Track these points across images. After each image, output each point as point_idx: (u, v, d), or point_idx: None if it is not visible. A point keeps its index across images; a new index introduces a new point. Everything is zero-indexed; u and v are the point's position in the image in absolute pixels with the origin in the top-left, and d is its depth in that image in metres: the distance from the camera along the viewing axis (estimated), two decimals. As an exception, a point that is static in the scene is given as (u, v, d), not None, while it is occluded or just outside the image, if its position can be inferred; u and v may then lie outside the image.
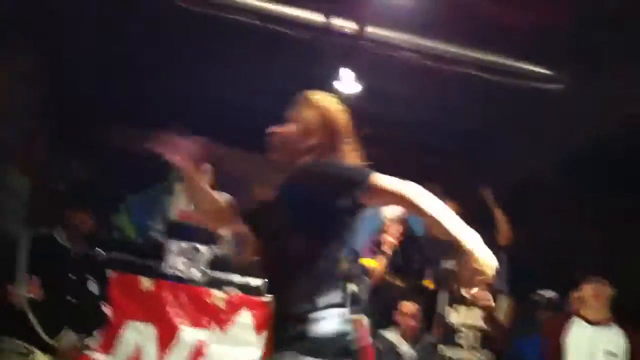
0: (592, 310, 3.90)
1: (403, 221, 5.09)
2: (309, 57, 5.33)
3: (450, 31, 4.96)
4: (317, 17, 4.91)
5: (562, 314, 4.20)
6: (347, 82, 5.69)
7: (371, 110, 5.70)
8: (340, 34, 4.96)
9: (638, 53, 4.39)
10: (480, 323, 4.70)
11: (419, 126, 6.26)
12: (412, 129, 6.31)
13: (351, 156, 2.24)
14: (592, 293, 3.89)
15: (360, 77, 5.66)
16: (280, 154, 2.26)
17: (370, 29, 4.93)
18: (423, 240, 5.27)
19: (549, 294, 4.81)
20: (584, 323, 3.92)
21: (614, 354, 3.74)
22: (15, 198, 5.08)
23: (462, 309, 4.76)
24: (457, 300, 4.83)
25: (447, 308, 4.84)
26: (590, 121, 5.21)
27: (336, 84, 5.66)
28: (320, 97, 2.32)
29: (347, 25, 4.91)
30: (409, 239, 5.23)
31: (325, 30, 4.94)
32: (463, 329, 4.68)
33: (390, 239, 4.99)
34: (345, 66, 5.59)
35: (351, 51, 5.22)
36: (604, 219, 5.02)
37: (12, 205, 5.01)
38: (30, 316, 3.55)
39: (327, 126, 2.25)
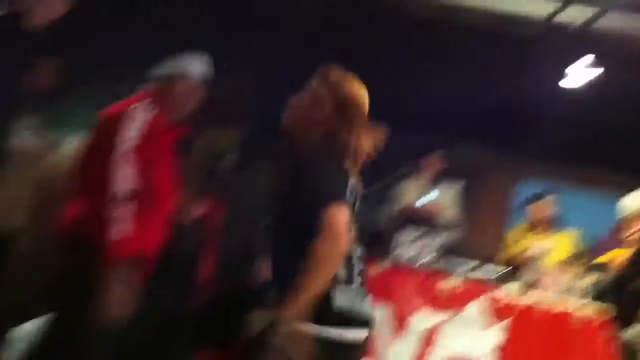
0: None
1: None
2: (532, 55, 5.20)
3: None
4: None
5: None
6: (577, 74, 5.44)
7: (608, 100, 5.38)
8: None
9: None
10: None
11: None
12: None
13: (364, 142, 2.25)
14: None
15: (595, 65, 5.36)
16: (291, 122, 2.30)
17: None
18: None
19: None
20: None
21: None
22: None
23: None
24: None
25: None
26: None
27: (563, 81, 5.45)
28: (338, 73, 2.32)
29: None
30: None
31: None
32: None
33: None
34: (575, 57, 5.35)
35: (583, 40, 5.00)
36: None
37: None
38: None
39: (339, 102, 2.25)
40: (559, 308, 4.03)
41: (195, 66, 3.14)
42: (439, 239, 4.85)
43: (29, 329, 4.31)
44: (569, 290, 4.32)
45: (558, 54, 5.37)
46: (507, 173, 6.80)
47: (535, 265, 4.56)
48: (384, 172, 6.62)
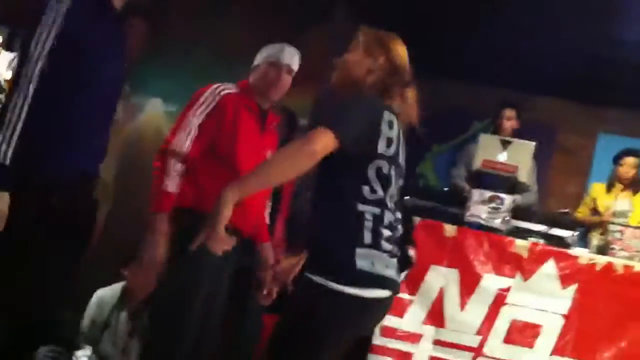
0: None
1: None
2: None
3: None
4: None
5: None
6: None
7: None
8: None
9: None
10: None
11: None
12: None
13: (410, 104, 2.29)
14: None
15: None
16: (341, 78, 2.32)
17: None
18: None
19: None
20: None
21: None
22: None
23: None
24: None
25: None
26: None
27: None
28: (382, 33, 2.35)
29: None
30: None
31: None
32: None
33: None
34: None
35: None
36: None
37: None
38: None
39: (386, 59, 2.28)
40: (635, 271, 3.94)
41: (287, 55, 3.26)
42: (514, 199, 4.77)
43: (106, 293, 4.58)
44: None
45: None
46: (587, 126, 6.55)
47: (614, 226, 4.45)
48: (459, 129, 6.55)
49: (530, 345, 3.85)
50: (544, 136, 6.08)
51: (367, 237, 2.15)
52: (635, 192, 5.06)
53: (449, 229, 4.21)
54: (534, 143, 5.09)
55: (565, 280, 3.94)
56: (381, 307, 2.25)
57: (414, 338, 3.94)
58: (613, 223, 4.54)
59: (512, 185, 5.02)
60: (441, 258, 4.05)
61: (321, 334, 2.11)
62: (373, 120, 2.20)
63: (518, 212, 4.71)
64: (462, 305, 3.95)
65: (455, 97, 6.25)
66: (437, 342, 3.92)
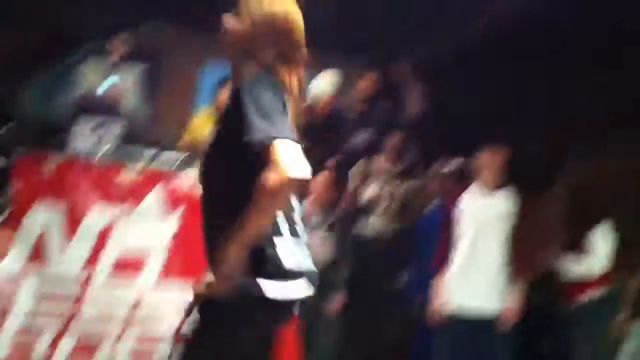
0: (487, 176, 4.08)
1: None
2: None
3: None
4: None
5: (464, 183, 4.39)
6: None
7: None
8: None
9: None
10: (397, 195, 4.89)
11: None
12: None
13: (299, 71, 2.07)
14: (487, 160, 4.06)
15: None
16: (231, 50, 2.11)
17: None
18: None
19: (455, 163, 4.98)
20: (478, 190, 4.12)
21: (504, 216, 3.97)
22: None
23: (379, 181, 4.92)
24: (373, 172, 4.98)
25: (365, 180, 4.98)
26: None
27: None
28: None
29: None
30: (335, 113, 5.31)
31: None
32: (378, 201, 4.86)
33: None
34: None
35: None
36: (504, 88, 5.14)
37: None
38: None
39: (278, 29, 2.06)
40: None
41: None
42: (119, 128, 4.75)
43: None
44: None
45: None
46: (191, 54, 6.74)
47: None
48: (65, 53, 6.17)
49: (138, 271, 3.90)
50: (151, 61, 6.09)
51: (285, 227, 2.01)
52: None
53: (53, 161, 3.97)
54: (140, 69, 5.07)
55: (172, 204, 4.04)
56: None
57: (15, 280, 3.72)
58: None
59: (118, 113, 4.98)
60: (44, 194, 3.84)
61: None
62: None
63: (126, 140, 4.71)
64: (66, 242, 3.81)
65: (63, 21, 5.85)
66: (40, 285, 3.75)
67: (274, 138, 1.79)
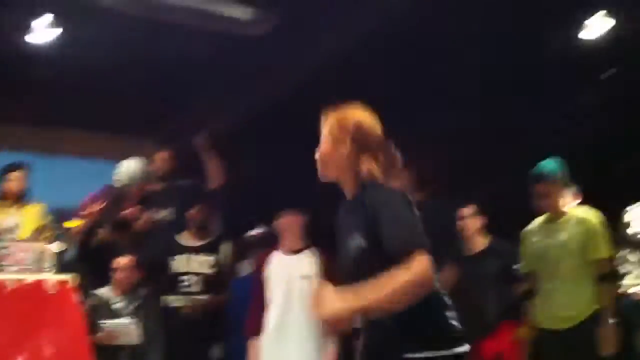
0: (288, 240, 4.19)
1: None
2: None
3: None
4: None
5: (270, 248, 4.45)
6: (42, 30, 5.39)
7: (70, 57, 5.47)
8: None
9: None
10: (205, 269, 4.82)
11: (118, 74, 6.06)
12: (110, 77, 6.09)
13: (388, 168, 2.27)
14: (287, 224, 4.17)
15: (59, 23, 5.37)
16: (326, 172, 2.30)
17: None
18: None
19: (260, 230, 5.06)
20: (282, 253, 4.20)
21: (308, 277, 4.06)
22: None
23: (187, 256, 4.83)
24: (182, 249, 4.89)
25: (174, 258, 4.87)
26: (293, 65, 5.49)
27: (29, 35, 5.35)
28: (340, 109, 2.33)
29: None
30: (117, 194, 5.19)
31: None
32: (186, 277, 4.76)
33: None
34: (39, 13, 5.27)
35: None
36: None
37: None
38: None
39: (351, 132, 2.25)
40: (29, 280, 3.97)
41: None
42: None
43: None
44: (39, 262, 4.30)
45: (19, 10, 5.18)
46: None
47: (1, 243, 4.38)
48: None
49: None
50: None
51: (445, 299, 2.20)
52: (21, 207, 5.08)
53: None
54: None
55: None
56: None
57: None
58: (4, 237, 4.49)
59: None
60: None
61: None
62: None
63: None
64: None
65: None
66: None
67: (415, 247, 2.02)
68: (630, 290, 4.50)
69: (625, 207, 5.21)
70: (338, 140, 2.25)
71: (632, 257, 4.72)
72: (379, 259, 2.06)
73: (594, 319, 3.85)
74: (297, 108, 5.22)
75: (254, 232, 5.21)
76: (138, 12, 5.22)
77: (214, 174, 5.27)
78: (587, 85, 6.63)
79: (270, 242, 4.64)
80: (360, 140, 2.25)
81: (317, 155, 2.31)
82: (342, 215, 2.33)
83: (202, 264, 4.84)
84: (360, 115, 2.31)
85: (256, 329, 4.07)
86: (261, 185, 5.57)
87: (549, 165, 4.02)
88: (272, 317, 4.04)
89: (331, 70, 5.48)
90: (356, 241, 2.17)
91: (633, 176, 6.68)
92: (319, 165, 2.32)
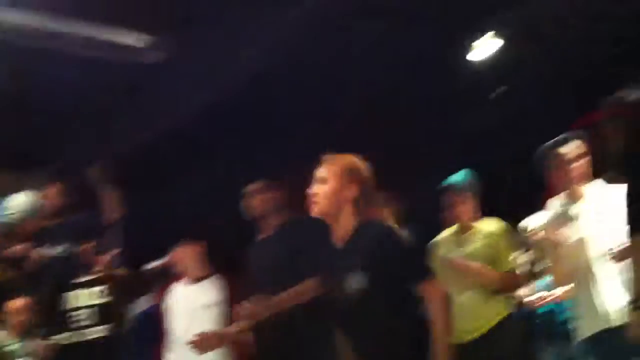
0: (189, 269, 4.12)
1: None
2: None
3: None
4: None
5: (172, 279, 4.36)
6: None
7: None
8: None
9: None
10: (95, 300, 4.64)
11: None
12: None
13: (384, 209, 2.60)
14: (184, 254, 4.12)
15: None
16: (324, 209, 2.48)
17: None
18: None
19: (159, 262, 4.94)
20: (183, 283, 4.13)
21: (211, 305, 4.00)
22: None
23: (74, 292, 4.65)
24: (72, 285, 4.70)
25: (65, 295, 4.66)
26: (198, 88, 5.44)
27: None
28: (340, 155, 2.57)
29: None
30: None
31: None
32: (76, 312, 4.56)
33: None
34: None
35: None
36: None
37: None
38: None
39: (357, 177, 2.50)
40: None
41: None
42: None
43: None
44: None
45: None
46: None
47: None
48: None
49: None
50: None
51: None
52: None
53: None
54: None
55: None
56: None
57: None
58: None
59: None
60: None
61: None
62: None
63: None
64: None
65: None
66: None
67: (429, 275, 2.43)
68: (525, 300, 4.63)
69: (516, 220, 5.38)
70: (344, 184, 2.49)
71: (522, 259, 4.81)
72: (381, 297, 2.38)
73: (499, 329, 3.92)
74: (195, 136, 5.18)
75: (152, 264, 5.07)
76: (27, 42, 5.06)
77: (110, 206, 5.10)
78: (476, 105, 6.86)
79: (170, 274, 4.56)
80: (363, 187, 2.51)
81: (315, 192, 2.50)
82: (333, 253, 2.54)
83: (91, 295, 4.66)
84: (362, 164, 2.57)
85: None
86: (160, 215, 5.45)
87: (458, 176, 4.04)
88: (172, 348, 3.96)
89: (228, 97, 5.45)
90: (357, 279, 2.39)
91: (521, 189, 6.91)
92: (317, 201, 2.50)
